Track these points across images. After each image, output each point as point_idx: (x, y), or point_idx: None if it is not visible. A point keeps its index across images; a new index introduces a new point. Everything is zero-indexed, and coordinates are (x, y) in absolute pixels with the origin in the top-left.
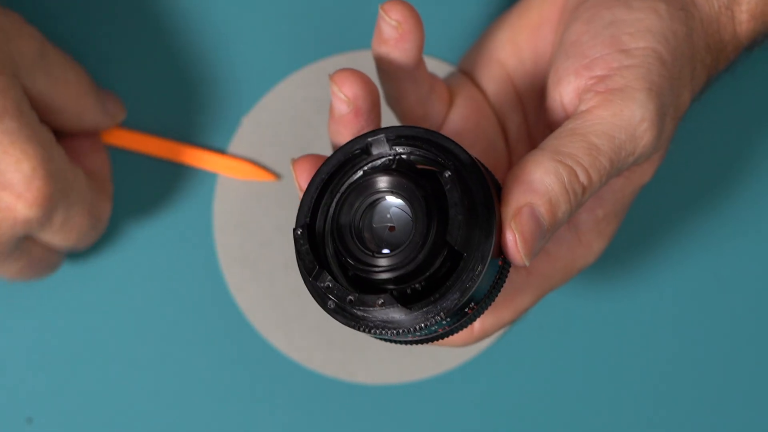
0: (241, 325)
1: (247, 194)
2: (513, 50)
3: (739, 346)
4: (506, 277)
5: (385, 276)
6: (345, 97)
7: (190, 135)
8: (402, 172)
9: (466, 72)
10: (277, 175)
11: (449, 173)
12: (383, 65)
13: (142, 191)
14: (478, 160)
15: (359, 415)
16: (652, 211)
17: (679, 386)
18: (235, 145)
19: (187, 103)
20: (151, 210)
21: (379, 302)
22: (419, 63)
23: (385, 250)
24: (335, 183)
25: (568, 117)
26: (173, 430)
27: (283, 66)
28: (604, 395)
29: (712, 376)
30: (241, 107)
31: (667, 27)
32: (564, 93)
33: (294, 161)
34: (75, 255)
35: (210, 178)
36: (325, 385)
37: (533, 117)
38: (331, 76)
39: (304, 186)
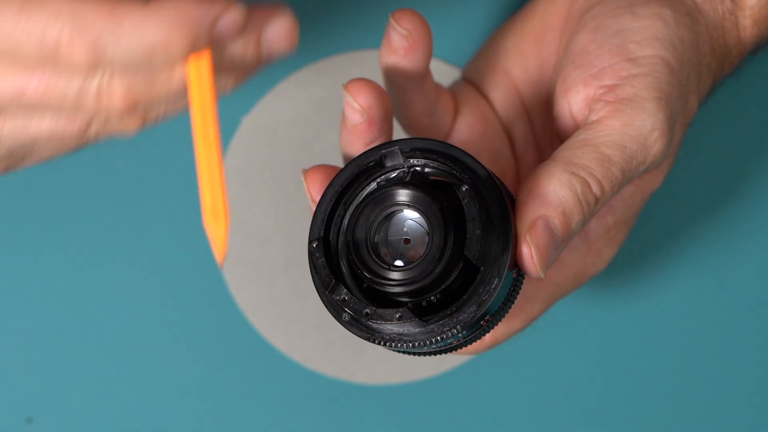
0: (241, 325)
1: (247, 194)
2: (517, 58)
3: (744, 352)
4: (520, 288)
5: (401, 289)
6: (359, 106)
7: (191, 134)
8: (417, 185)
9: (471, 81)
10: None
11: (466, 187)
12: (391, 75)
13: (143, 191)
14: (493, 173)
15: (359, 415)
16: (659, 216)
17: (683, 391)
18: (235, 144)
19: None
20: (151, 210)
21: (397, 316)
22: (427, 73)
23: (401, 263)
24: (348, 195)
25: (577, 126)
26: (173, 430)
27: (283, 66)
28: (605, 396)
29: (716, 380)
30: (241, 107)
31: (673, 33)
32: (573, 102)
33: (306, 172)
34: (74, 253)
35: None
36: (325, 385)
37: (539, 124)
38: (345, 86)
39: (316, 197)
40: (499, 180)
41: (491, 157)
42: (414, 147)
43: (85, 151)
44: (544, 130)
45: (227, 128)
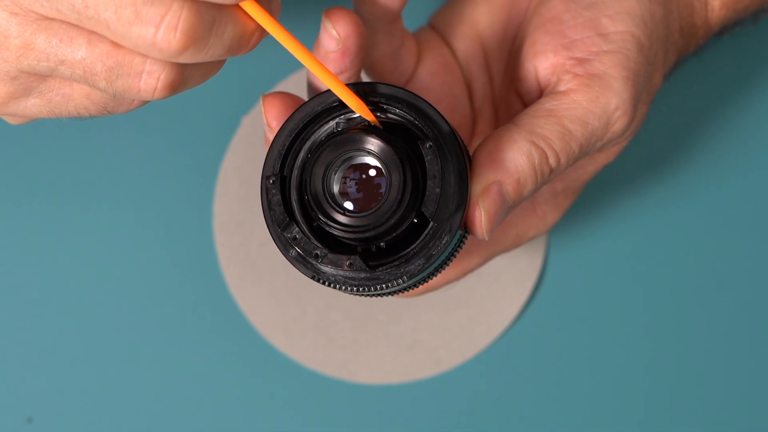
0: (241, 325)
1: (247, 194)
2: (487, 12)
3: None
4: (464, 244)
5: (353, 235)
6: (336, 34)
7: (191, 134)
8: (380, 132)
9: (437, 28)
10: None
11: (430, 144)
12: (364, 11)
13: (143, 191)
14: (454, 128)
15: (359, 415)
16: (665, 216)
17: (683, 391)
18: (235, 144)
19: (188, 103)
20: (151, 210)
21: (347, 263)
22: (398, 16)
23: (356, 210)
24: (307, 131)
25: (541, 90)
26: (173, 430)
27: (283, 66)
28: (604, 395)
29: (716, 380)
30: (241, 107)
31: (646, 9)
32: (540, 67)
33: (264, 96)
34: (74, 253)
35: (210, 178)
36: (325, 385)
37: (498, 80)
38: (325, 12)
39: (272, 124)
40: (459, 136)
41: (450, 106)
42: (380, 92)
43: (85, 150)
44: (502, 87)
45: (227, 128)
